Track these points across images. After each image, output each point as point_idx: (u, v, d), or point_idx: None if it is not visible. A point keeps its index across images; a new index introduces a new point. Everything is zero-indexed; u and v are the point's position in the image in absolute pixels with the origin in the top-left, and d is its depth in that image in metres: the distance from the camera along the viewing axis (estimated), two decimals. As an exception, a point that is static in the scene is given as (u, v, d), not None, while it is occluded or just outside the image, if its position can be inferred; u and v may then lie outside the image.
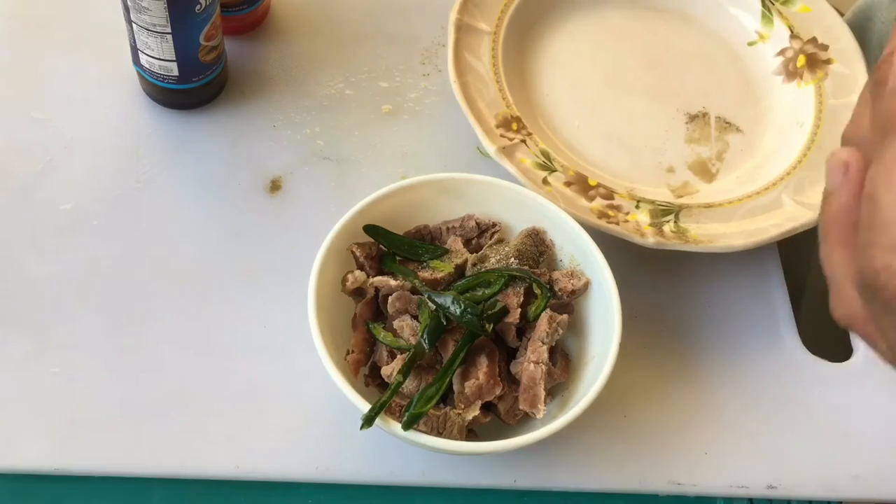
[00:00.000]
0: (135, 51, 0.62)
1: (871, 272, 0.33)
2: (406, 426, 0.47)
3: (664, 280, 0.62)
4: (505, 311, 0.52)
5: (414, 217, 0.57)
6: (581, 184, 0.61)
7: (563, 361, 0.53)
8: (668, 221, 0.59)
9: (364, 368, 0.53)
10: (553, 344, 0.51)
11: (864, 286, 0.33)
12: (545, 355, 0.50)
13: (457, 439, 0.49)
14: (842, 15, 0.71)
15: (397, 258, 0.55)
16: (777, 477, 0.55)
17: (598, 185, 0.61)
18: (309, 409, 0.54)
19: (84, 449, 0.52)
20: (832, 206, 0.36)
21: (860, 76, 0.67)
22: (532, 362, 0.50)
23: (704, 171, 0.65)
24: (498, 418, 0.52)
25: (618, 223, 0.58)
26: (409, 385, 0.50)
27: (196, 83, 0.64)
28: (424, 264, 0.55)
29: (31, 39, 0.69)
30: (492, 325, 0.51)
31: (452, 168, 0.61)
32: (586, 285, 0.54)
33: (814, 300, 0.68)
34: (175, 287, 0.58)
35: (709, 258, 0.61)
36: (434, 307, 0.51)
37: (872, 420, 0.57)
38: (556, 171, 0.61)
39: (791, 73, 0.69)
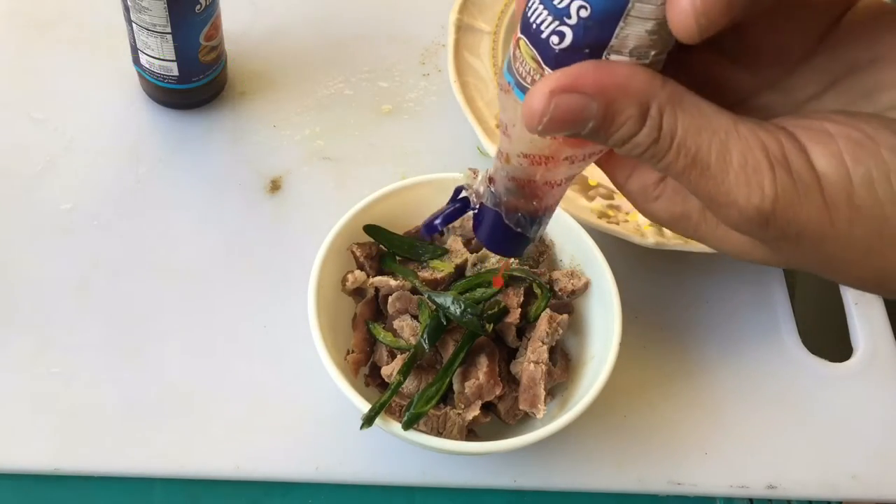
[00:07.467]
0: (135, 51, 0.62)
1: None
2: (406, 426, 0.47)
3: (664, 280, 0.62)
4: (505, 311, 0.52)
5: (414, 217, 0.57)
6: (581, 184, 0.61)
7: (563, 361, 0.53)
8: (668, 221, 0.59)
9: (364, 368, 0.53)
10: (553, 344, 0.51)
11: None
12: (545, 355, 0.50)
13: (457, 439, 0.49)
14: None
15: (397, 258, 0.55)
16: (777, 477, 0.55)
17: (598, 185, 0.61)
18: (309, 409, 0.54)
19: (84, 449, 0.52)
20: None
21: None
22: (532, 362, 0.50)
23: (704, 171, 0.65)
24: (498, 418, 0.52)
25: (618, 223, 0.58)
26: (409, 385, 0.50)
27: (196, 83, 0.64)
28: (424, 264, 0.55)
29: (32, 39, 0.69)
30: (492, 325, 0.51)
31: (452, 168, 0.60)
32: (586, 285, 0.54)
33: (813, 300, 0.68)
34: (175, 287, 0.58)
35: (709, 258, 0.61)
36: (434, 307, 0.51)
37: (872, 420, 0.57)
38: (556, 171, 0.61)
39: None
